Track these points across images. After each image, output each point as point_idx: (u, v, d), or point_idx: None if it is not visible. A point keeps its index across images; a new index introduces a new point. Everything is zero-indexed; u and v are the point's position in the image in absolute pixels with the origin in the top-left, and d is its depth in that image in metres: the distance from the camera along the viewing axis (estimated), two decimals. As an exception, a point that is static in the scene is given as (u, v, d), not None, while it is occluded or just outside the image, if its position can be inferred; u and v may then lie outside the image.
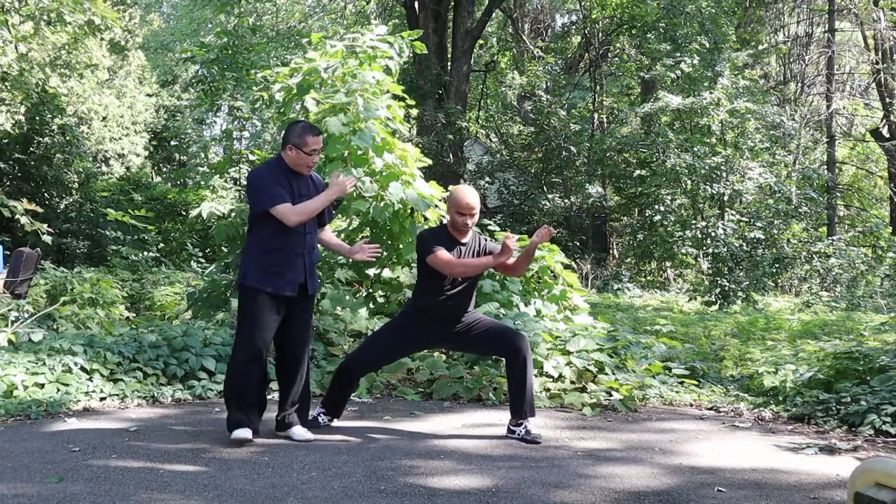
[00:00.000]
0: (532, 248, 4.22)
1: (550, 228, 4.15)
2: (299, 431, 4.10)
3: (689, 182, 15.36)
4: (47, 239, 8.66)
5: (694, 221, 15.26)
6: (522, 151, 21.27)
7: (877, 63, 19.62)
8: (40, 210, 8.83)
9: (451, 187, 4.86)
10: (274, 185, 3.93)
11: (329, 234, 4.40)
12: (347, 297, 6.27)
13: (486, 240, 4.46)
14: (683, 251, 15.58)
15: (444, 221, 4.65)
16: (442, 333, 4.34)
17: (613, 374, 5.42)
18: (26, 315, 6.43)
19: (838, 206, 20.06)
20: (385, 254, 6.32)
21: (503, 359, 4.58)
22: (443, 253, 4.14)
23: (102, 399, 4.92)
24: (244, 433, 3.92)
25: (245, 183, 4.10)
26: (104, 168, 19.56)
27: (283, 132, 4.16)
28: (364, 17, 22.37)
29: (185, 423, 4.45)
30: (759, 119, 15.82)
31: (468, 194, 4.26)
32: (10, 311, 6.36)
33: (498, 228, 7.55)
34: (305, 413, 4.22)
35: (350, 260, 6.42)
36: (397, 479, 3.38)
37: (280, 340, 4.10)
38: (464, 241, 4.30)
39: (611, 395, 5.16)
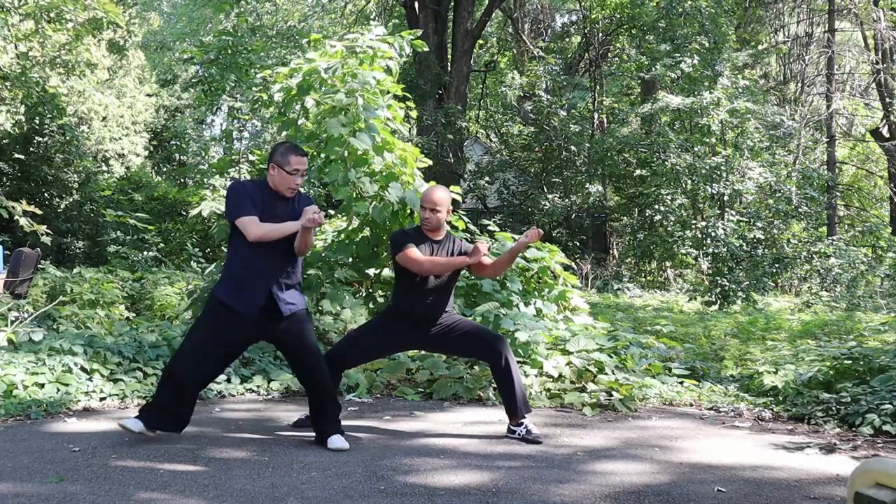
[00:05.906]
0: (517, 249, 4.19)
1: (540, 230, 4.13)
2: (337, 440, 3.93)
3: (689, 182, 15.36)
4: (46, 240, 8.65)
5: (694, 221, 15.26)
6: (522, 151, 21.27)
7: (877, 63, 19.63)
8: (39, 212, 8.84)
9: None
10: (244, 198, 3.82)
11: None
12: (347, 297, 6.27)
13: (462, 241, 4.43)
14: (683, 251, 15.59)
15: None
16: (419, 334, 4.28)
17: (613, 374, 5.42)
18: (26, 315, 6.43)
19: (838, 206, 20.07)
20: (385, 254, 6.32)
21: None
22: (412, 251, 4.13)
23: (102, 399, 4.92)
24: (137, 425, 3.88)
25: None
26: (104, 168, 19.55)
27: (269, 152, 4.10)
28: (364, 17, 22.34)
29: (185, 423, 4.45)
30: (759, 119, 15.82)
31: (434, 190, 4.30)
32: (10, 310, 6.36)
33: (498, 228, 7.53)
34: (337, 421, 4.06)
35: (350, 259, 6.43)
36: (397, 479, 3.38)
37: (290, 358, 4.04)
38: (437, 239, 4.29)
39: (611, 395, 5.16)
